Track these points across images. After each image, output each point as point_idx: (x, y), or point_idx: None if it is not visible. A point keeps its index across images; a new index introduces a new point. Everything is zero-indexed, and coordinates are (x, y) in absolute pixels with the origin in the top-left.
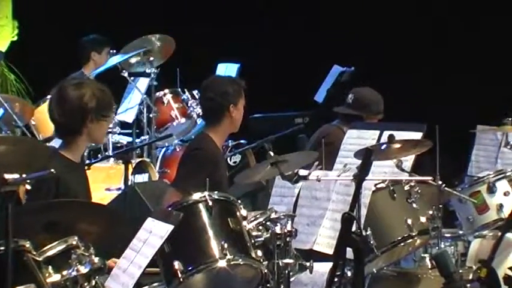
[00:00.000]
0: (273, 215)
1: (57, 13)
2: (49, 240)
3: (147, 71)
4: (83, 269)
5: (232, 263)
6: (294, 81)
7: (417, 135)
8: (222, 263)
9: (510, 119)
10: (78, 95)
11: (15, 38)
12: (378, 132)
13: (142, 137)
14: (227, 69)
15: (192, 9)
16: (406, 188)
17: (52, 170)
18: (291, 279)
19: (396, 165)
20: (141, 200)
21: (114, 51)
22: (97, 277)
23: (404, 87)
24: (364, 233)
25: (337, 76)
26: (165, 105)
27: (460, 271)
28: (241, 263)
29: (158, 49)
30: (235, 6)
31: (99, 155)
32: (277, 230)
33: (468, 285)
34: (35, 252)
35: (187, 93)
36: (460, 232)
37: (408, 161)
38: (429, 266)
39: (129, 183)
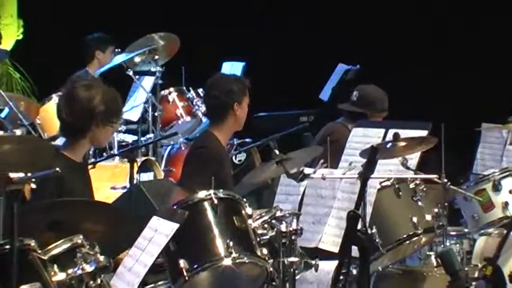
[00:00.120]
0: (278, 213)
1: (62, 12)
2: (54, 239)
3: (152, 69)
4: (88, 268)
5: (237, 261)
6: (299, 79)
7: (422, 133)
8: (227, 262)
9: None
10: (88, 97)
11: (20, 37)
12: (383, 130)
13: (148, 136)
14: (232, 68)
15: (197, 7)
16: (412, 186)
17: (57, 169)
18: (297, 278)
19: (401, 164)
20: (147, 198)
21: (119, 50)
22: (102, 275)
23: (409, 85)
24: (369, 231)
25: (343, 74)
26: (170, 103)
27: (466, 269)
28: (247, 261)
29: (163, 47)
30: (241, 4)
31: (104, 154)
32: (283, 228)
33: (473, 283)
34: (40, 251)
35: (192, 91)
36: (466, 230)
37: (413, 159)
38: (434, 264)
39: (135, 181)
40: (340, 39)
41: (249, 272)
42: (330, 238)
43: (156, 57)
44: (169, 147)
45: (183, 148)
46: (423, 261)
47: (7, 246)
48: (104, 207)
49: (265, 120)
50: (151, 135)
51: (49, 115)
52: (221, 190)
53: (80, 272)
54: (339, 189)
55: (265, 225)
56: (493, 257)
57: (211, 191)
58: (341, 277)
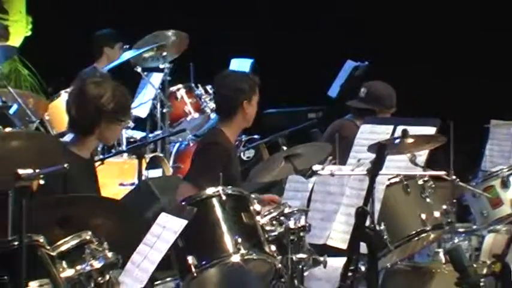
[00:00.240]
0: (287, 210)
1: (71, 8)
2: (63, 235)
3: (161, 66)
4: (97, 264)
5: (246, 257)
6: (307, 76)
7: (431, 130)
8: (235, 258)
9: None
10: (98, 94)
11: (29, 33)
12: (391, 127)
13: (156, 132)
14: (240, 65)
15: (206, 3)
16: (420, 182)
17: (66, 165)
18: (305, 274)
19: (410, 160)
20: (155, 195)
21: (128, 46)
22: (111, 272)
23: (418, 82)
24: (378, 228)
25: (351, 71)
26: (178, 100)
27: (474, 266)
28: (255, 257)
29: (171, 44)
30: (249, 1)
31: (113, 150)
32: (291, 224)
33: (482, 280)
34: (48, 247)
35: (200, 88)
36: (474, 227)
37: (422, 155)
38: (443, 261)
39: (143, 178)
40: (348, 36)
41: (258, 268)
42: (339, 235)
43: (165, 53)
44: (177, 144)
45: (191, 145)
46: (432, 258)
47: (16, 243)
48: (113, 203)
49: (274, 117)
50: (159, 131)
51: (58, 111)
52: (229, 186)
53: (88, 268)
54: (348, 186)
55: (274, 222)
56: (501, 254)
57: (220, 188)
58: (349, 274)
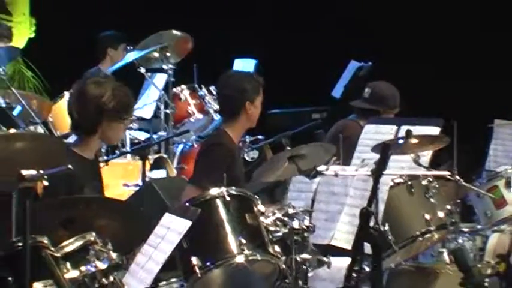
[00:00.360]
0: (291, 211)
1: (74, 10)
2: (67, 237)
3: (164, 67)
4: (101, 265)
5: (250, 258)
6: (311, 76)
7: (435, 130)
8: (240, 259)
9: None
10: (98, 94)
11: (33, 35)
12: (395, 127)
13: (160, 133)
14: (244, 65)
15: (209, 4)
16: (424, 182)
17: (69, 166)
18: (309, 275)
19: (414, 160)
20: (159, 196)
21: (131, 47)
22: (115, 273)
23: (422, 82)
24: (382, 228)
25: (355, 71)
26: (182, 101)
27: (479, 266)
28: (259, 258)
29: (175, 45)
30: (253, 2)
31: (117, 151)
32: (295, 225)
33: (487, 280)
34: (52, 248)
35: (204, 89)
36: (478, 227)
37: (426, 155)
38: (447, 261)
39: (147, 179)
40: (352, 36)
41: (262, 269)
42: (343, 235)
43: (168, 54)
44: (181, 145)
45: (195, 146)
46: (436, 258)
47: (20, 244)
48: (117, 204)
49: (278, 118)
50: (163, 132)
51: (61, 113)
52: (233, 187)
53: (92, 269)
54: (352, 186)
55: (278, 223)
56: (506, 254)
57: (224, 188)
58: (354, 274)
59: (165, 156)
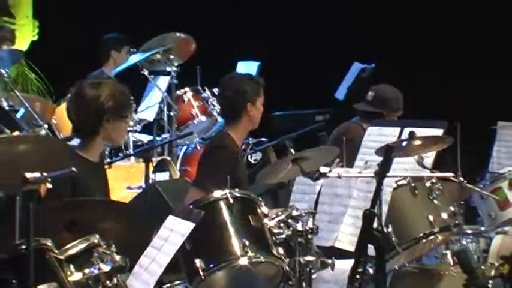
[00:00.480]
0: (294, 213)
1: (77, 12)
2: (71, 239)
3: (168, 69)
4: (105, 267)
5: (253, 260)
6: (314, 78)
7: (438, 132)
8: (243, 261)
9: None
10: (95, 95)
11: (36, 38)
12: (398, 129)
13: (163, 136)
14: (247, 68)
15: (213, 6)
16: (428, 184)
17: (73, 169)
18: (313, 277)
19: (417, 162)
20: (162, 198)
21: (134, 49)
22: (119, 275)
23: (425, 83)
24: (385, 230)
25: (358, 73)
26: (185, 103)
27: (482, 267)
28: (263, 260)
29: (178, 47)
30: (256, 4)
31: (120, 154)
32: (299, 227)
33: (490, 281)
34: (56, 251)
35: (207, 91)
36: (482, 228)
37: (429, 157)
38: (451, 263)
39: (150, 181)
40: (355, 38)
41: (265, 271)
42: (346, 237)
43: (171, 56)
44: (184, 147)
45: (198, 148)
46: (440, 260)
47: (24, 246)
48: (120, 207)
49: (281, 120)
50: (166, 135)
51: (65, 115)
52: (237, 189)
53: (96, 271)
54: (355, 188)
55: (281, 225)
56: (509, 256)
57: (227, 191)
58: (357, 276)
59: (168, 158)
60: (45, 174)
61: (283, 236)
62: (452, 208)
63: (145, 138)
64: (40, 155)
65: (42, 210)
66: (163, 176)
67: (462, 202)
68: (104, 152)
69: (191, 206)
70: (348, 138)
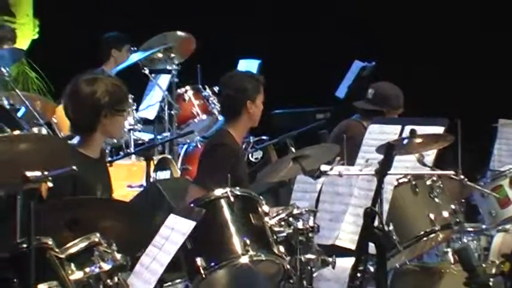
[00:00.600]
0: (295, 211)
1: (78, 11)
2: (72, 238)
3: (168, 68)
4: (106, 266)
5: (254, 259)
6: (315, 76)
7: (439, 130)
8: (244, 259)
9: None
10: (91, 91)
11: (36, 36)
12: (399, 127)
13: (164, 134)
14: (248, 66)
15: (213, 4)
16: (428, 182)
17: (74, 167)
18: (314, 275)
19: (418, 160)
20: (163, 196)
21: (135, 48)
22: (119, 274)
23: (426, 81)
24: (386, 228)
25: (359, 71)
26: (186, 102)
27: (483, 265)
28: (264, 258)
29: (179, 46)
30: (257, 2)
31: (121, 152)
32: (300, 225)
33: (491, 279)
34: (57, 250)
35: (208, 89)
36: (483, 226)
37: (430, 155)
38: (452, 261)
39: (151, 180)
40: (356, 36)
41: (266, 269)
42: (347, 235)
43: (172, 55)
44: (185, 146)
45: (199, 146)
46: (440, 258)
47: (25, 245)
48: (121, 205)
49: (282, 118)
50: (167, 133)
51: None
52: (238, 188)
53: (97, 270)
54: (356, 186)
55: (282, 223)
56: (510, 253)
57: (228, 189)
58: (358, 274)
59: (169, 157)
60: (45, 173)
61: (284, 234)
62: (453, 206)
63: (146, 136)
64: (41, 153)
65: (43, 209)
66: (164, 175)
67: (463, 200)
68: (104, 150)
69: (192, 205)
70: (349, 136)
